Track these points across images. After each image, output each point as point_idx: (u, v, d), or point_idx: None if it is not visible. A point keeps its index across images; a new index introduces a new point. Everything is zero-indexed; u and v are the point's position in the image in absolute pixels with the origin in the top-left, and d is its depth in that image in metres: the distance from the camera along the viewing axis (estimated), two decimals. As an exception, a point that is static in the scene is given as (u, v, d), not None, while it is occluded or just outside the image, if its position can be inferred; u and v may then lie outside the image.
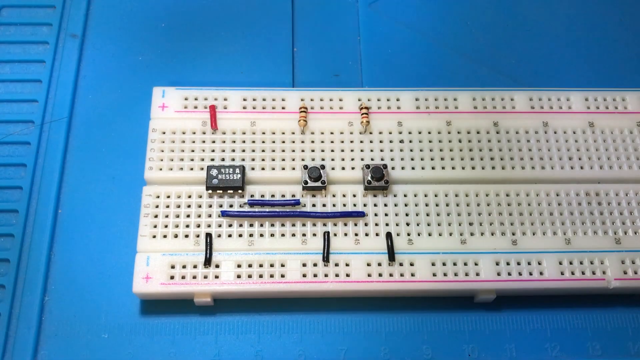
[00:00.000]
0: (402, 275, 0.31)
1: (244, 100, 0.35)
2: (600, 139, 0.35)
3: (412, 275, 0.31)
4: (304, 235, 0.32)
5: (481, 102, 0.35)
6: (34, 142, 0.35)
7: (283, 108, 0.35)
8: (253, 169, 0.33)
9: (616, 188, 0.34)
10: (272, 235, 0.32)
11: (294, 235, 0.32)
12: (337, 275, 0.31)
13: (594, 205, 0.33)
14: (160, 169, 0.33)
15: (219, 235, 0.32)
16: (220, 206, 0.32)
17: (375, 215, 0.32)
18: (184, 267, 0.31)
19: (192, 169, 0.33)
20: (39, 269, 0.32)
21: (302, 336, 0.32)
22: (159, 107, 0.34)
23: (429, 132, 0.34)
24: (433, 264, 0.31)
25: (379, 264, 0.31)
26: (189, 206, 0.32)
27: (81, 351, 0.31)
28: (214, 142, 0.34)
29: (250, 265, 0.31)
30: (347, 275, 0.31)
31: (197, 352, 0.31)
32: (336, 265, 0.31)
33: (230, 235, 0.32)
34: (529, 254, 0.32)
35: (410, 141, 0.34)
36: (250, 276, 0.31)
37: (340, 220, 0.32)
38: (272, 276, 0.31)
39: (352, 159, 0.34)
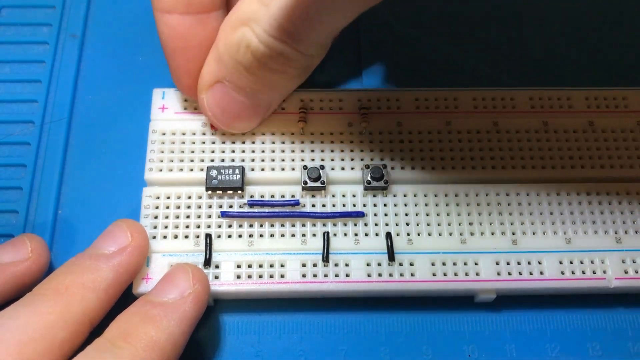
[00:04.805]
0: (402, 275, 0.31)
1: (244, 100, 0.35)
2: (601, 138, 0.35)
3: (412, 275, 0.31)
4: (303, 235, 0.32)
5: (481, 102, 0.35)
6: (33, 142, 0.36)
7: (283, 108, 0.35)
8: (253, 169, 0.33)
9: (617, 187, 0.34)
10: (271, 235, 0.32)
11: (293, 235, 0.32)
12: (336, 276, 0.31)
13: (594, 205, 0.33)
14: (160, 170, 0.33)
15: (219, 236, 0.32)
16: (220, 207, 0.32)
17: (375, 215, 0.32)
18: (183, 267, 0.31)
19: (192, 169, 0.33)
20: (40, 269, 0.32)
21: (302, 336, 0.32)
22: (159, 108, 0.34)
23: (429, 132, 0.34)
24: (433, 264, 0.31)
25: (379, 264, 0.31)
26: (188, 207, 0.32)
27: (81, 352, 0.31)
28: (213, 142, 0.34)
29: (250, 266, 0.31)
30: (347, 275, 0.31)
31: (197, 352, 0.31)
32: (336, 265, 0.31)
33: (230, 236, 0.32)
34: (529, 253, 0.32)
35: (410, 141, 0.34)
36: (250, 276, 0.31)
37: (340, 221, 0.32)
38: (271, 276, 0.31)
39: (352, 159, 0.34)
